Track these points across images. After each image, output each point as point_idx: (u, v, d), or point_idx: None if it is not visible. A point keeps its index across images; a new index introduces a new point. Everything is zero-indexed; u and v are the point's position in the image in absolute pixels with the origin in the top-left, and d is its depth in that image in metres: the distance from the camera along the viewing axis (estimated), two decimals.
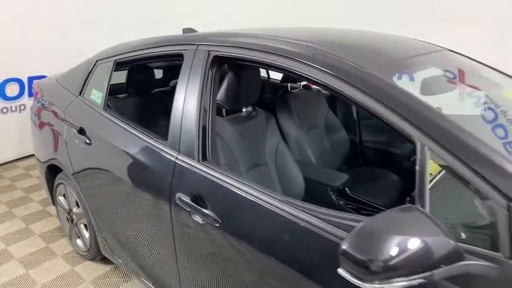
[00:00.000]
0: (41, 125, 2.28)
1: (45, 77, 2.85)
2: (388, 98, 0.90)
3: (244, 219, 1.15)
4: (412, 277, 0.69)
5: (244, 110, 1.72)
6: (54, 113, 2.08)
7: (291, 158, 1.81)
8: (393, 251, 0.68)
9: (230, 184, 1.18)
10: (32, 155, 3.06)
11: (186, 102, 1.35)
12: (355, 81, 0.96)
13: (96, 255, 2.12)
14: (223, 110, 1.61)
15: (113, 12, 3.92)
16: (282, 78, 2.52)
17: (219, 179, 1.21)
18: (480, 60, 1.84)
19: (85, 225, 2.10)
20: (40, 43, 3.50)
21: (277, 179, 1.73)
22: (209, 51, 1.34)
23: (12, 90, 3.64)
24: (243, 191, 1.14)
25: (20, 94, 3.66)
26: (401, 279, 0.69)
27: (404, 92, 0.92)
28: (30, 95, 3.66)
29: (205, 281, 1.37)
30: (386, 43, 1.43)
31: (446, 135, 0.82)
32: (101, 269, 2.16)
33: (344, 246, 0.71)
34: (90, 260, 2.21)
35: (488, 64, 1.81)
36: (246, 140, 1.64)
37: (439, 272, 0.70)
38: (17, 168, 3.63)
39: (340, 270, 0.72)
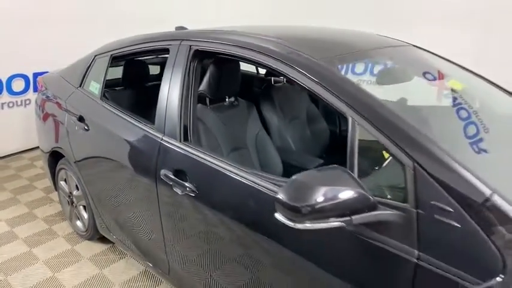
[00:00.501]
0: (45, 117, 2.48)
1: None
2: (329, 83, 1.08)
3: (217, 189, 1.33)
4: (335, 220, 0.87)
5: (227, 100, 1.91)
6: (57, 104, 2.28)
7: (271, 144, 1.99)
8: (319, 198, 0.85)
9: (206, 160, 1.37)
10: (36, 147, 3.26)
11: (170, 90, 1.54)
12: (305, 69, 1.14)
13: (94, 234, 2.31)
14: (207, 100, 1.80)
15: (112, 12, 4.12)
16: (265, 73, 2.70)
17: (197, 156, 1.40)
18: (449, 58, 2.03)
19: (84, 207, 2.30)
20: (44, 41, 3.71)
21: (258, 162, 1.91)
22: (191, 45, 1.53)
23: (18, 85, 3.85)
24: (216, 164, 1.33)
25: (26, 89, 3.87)
26: (326, 220, 0.87)
27: (343, 77, 1.10)
28: (35, 90, 3.86)
29: (188, 249, 1.55)
30: (346, 38, 1.60)
31: (372, 111, 0.99)
32: (98, 247, 2.35)
33: (279, 196, 0.88)
34: (88, 239, 2.40)
35: (454, 61, 1.98)
36: (228, 126, 1.83)
37: (357, 218, 0.88)
38: (23, 159, 3.84)
39: (277, 215, 0.90)
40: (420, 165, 0.89)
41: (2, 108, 3.83)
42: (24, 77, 3.85)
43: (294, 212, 0.86)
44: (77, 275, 2.10)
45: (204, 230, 1.42)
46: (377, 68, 1.39)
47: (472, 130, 1.18)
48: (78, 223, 2.42)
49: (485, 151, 1.17)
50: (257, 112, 2.07)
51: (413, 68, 1.55)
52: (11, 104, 3.87)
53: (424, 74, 1.50)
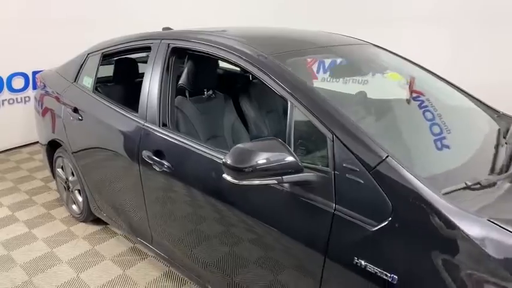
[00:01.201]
0: (43, 110, 2.71)
1: None
2: (274, 73, 1.32)
3: (188, 165, 1.57)
4: (270, 178, 1.12)
5: (205, 93, 2.15)
6: (54, 98, 2.52)
7: (246, 133, 2.23)
8: (258, 161, 1.09)
9: (179, 141, 1.61)
10: (35, 143, 3.49)
11: (151, 82, 1.78)
12: (257, 62, 1.39)
13: (88, 216, 2.55)
14: (186, 92, 2.03)
15: (108, 14, 4.36)
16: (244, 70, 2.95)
17: (173, 138, 1.64)
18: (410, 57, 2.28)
19: (78, 191, 2.53)
20: (43, 41, 3.94)
21: None
22: (169, 44, 1.78)
23: (18, 83, 4.09)
24: (187, 144, 1.57)
25: (25, 87, 4.11)
26: (262, 179, 1.11)
27: (286, 70, 1.34)
28: (34, 87, 4.10)
29: (166, 220, 1.79)
30: (303, 37, 1.85)
31: (305, 96, 1.24)
32: (92, 228, 2.59)
33: (225, 160, 1.12)
34: (82, 221, 2.64)
35: (412, 60, 2.23)
36: (205, 116, 2.06)
37: (287, 178, 1.12)
38: (22, 153, 4.07)
39: (224, 176, 1.14)
40: (337, 136, 1.13)
41: (3, 104, 4.07)
42: (24, 75, 4.09)
43: (237, 172, 1.11)
44: (72, 251, 2.33)
45: (178, 201, 1.66)
46: (327, 63, 1.63)
47: (384, 109, 1.43)
48: (74, 207, 2.66)
49: (391, 126, 1.43)
50: (236, 105, 2.32)
51: (362, 64, 1.80)
52: (11, 101, 4.11)
53: (370, 68, 1.74)
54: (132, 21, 4.26)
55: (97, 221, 2.59)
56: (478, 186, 1.10)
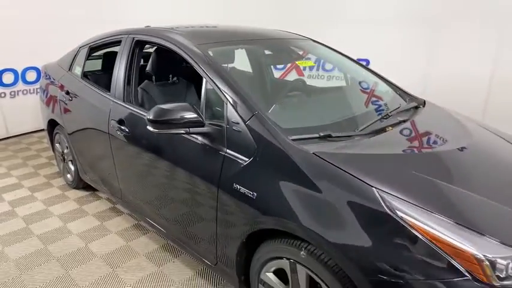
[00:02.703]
0: (45, 96, 3.25)
1: None
2: (197, 58, 1.78)
3: (138, 128, 2.04)
4: (181, 129, 1.57)
5: (170, 79, 2.61)
6: (53, 84, 3.05)
7: None
8: (172, 116, 1.55)
9: (134, 111, 2.09)
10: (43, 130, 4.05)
11: (119, 67, 2.27)
12: (185, 50, 1.85)
13: (78, 183, 3.06)
14: (153, 77, 2.50)
15: (109, 16, 4.91)
16: None
17: (130, 110, 2.12)
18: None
19: (71, 161, 3.05)
20: (53, 39, 4.51)
21: None
22: (133, 37, 2.26)
23: (31, 76, 4.70)
24: (139, 113, 2.05)
25: (37, 79, 4.70)
26: (176, 129, 1.57)
27: (205, 55, 1.79)
28: None
29: (128, 175, 2.26)
30: (238, 32, 2.31)
31: (214, 74, 1.68)
32: (82, 193, 3.10)
33: (148, 116, 1.58)
34: (74, 188, 3.16)
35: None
36: (169, 98, 2.52)
37: (192, 130, 1.58)
38: (33, 137, 4.67)
39: (148, 127, 1.60)
40: (229, 101, 1.58)
41: (18, 95, 4.69)
42: (36, 69, 4.68)
43: (155, 124, 1.57)
44: (63, 209, 2.85)
45: (133, 158, 2.14)
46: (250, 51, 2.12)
47: (280, 85, 1.85)
48: (68, 176, 3.18)
49: (279, 96, 1.87)
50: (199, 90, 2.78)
51: (279, 53, 2.28)
52: (24, 92, 4.72)
53: (291, 57, 2.19)
54: (132, 21, 4.84)
55: (87, 188, 3.11)
56: (329, 137, 1.51)
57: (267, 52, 2.31)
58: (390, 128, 1.71)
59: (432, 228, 1.11)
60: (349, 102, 2.15)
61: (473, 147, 1.66)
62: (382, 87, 2.35)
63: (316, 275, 1.31)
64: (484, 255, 1.06)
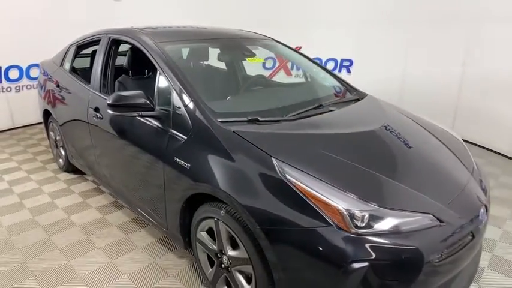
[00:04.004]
0: (41, 89, 3.62)
1: None
2: (155, 54, 2.10)
3: (110, 115, 2.36)
4: (134, 112, 1.90)
5: (146, 73, 2.94)
6: (47, 78, 3.42)
7: None
8: (128, 101, 1.87)
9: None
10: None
11: (97, 62, 2.62)
12: (147, 47, 2.18)
13: (68, 167, 3.43)
14: (130, 72, 2.83)
15: (110, 18, 5.29)
16: None
17: (105, 98, 2.44)
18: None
19: (62, 147, 3.41)
20: (55, 39, 4.91)
21: None
22: (110, 36, 2.60)
23: (35, 72, 5.11)
24: None
25: None
26: (130, 112, 1.90)
27: (163, 51, 2.10)
28: None
29: (104, 156, 2.60)
30: (199, 33, 2.63)
31: (165, 66, 2.00)
32: (71, 176, 3.47)
33: (108, 101, 1.90)
34: (65, 171, 3.53)
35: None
36: (143, 89, 2.85)
37: (144, 113, 1.91)
38: (36, 128, 5.09)
39: (107, 110, 1.92)
40: (175, 89, 1.90)
41: (22, 89, 5.11)
42: (39, 66, 5.08)
43: (113, 107, 1.90)
44: (53, 188, 3.22)
45: (104, 139, 2.48)
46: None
47: (224, 76, 2.16)
48: (60, 160, 3.55)
49: (219, 85, 2.19)
50: None
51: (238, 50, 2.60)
52: (29, 87, 5.14)
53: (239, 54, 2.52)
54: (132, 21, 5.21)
55: (76, 172, 3.47)
56: (256, 121, 1.80)
57: (220, 50, 2.65)
58: (316, 114, 2.00)
59: (310, 188, 1.40)
60: (293, 93, 2.44)
61: (380, 130, 1.94)
62: (328, 82, 2.63)
63: (231, 229, 1.61)
64: (345, 209, 1.34)
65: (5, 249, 2.33)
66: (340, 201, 1.36)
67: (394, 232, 1.35)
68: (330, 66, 6.01)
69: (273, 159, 1.51)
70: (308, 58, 2.89)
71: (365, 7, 5.32)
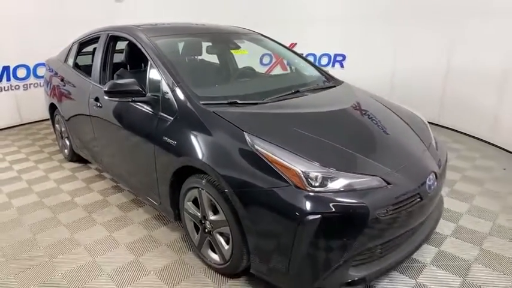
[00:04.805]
0: (47, 85, 3.89)
1: None
2: (146, 47, 2.35)
3: (108, 103, 2.61)
4: (127, 98, 2.15)
5: (143, 67, 3.19)
6: (53, 74, 3.69)
7: None
8: (120, 88, 2.12)
9: None
10: None
11: (97, 57, 2.87)
12: (140, 41, 2.43)
13: (73, 156, 3.70)
14: (128, 66, 3.08)
15: (94, 16, 5.54)
16: None
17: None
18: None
19: (67, 138, 3.68)
20: (59, 39, 5.19)
21: None
22: (108, 33, 2.86)
23: (41, 71, 5.39)
24: None
25: None
26: (123, 98, 2.15)
27: (154, 44, 2.35)
28: None
29: (104, 142, 2.85)
30: (189, 28, 2.87)
31: (155, 58, 2.24)
32: (76, 165, 3.74)
33: (104, 88, 2.15)
34: (70, 161, 3.80)
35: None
36: (139, 81, 3.11)
37: (136, 98, 2.15)
38: (43, 124, 5.38)
39: (104, 97, 2.17)
40: (163, 77, 2.14)
41: (30, 87, 5.40)
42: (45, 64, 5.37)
43: (110, 94, 2.14)
44: (58, 176, 3.49)
45: (105, 125, 2.72)
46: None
47: (213, 67, 2.41)
48: (65, 151, 3.82)
49: (205, 72, 2.44)
50: None
51: (224, 44, 2.85)
52: (36, 85, 5.43)
53: (228, 47, 2.75)
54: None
55: (80, 161, 3.74)
56: (235, 104, 2.03)
57: (208, 43, 2.90)
58: (291, 98, 2.23)
59: (274, 155, 1.64)
60: (275, 82, 2.67)
61: (345, 109, 2.19)
62: (309, 72, 2.86)
63: (211, 196, 1.85)
64: (301, 171, 1.57)
65: (15, 226, 2.59)
66: (298, 165, 1.59)
67: (345, 191, 1.57)
68: (324, 61, 6.23)
69: (245, 133, 1.75)
70: (292, 51, 3.12)
71: (357, 3, 5.53)
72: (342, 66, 6.08)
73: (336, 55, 6.16)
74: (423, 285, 1.94)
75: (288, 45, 6.23)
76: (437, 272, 2.04)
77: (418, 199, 1.74)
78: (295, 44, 6.25)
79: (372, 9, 5.40)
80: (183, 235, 2.41)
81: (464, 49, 4.42)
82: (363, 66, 5.70)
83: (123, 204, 2.87)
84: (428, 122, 2.41)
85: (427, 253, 2.20)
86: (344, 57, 6.09)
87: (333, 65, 6.14)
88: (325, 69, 3.11)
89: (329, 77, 2.83)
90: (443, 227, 2.48)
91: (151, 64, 2.27)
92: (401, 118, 2.24)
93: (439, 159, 2.05)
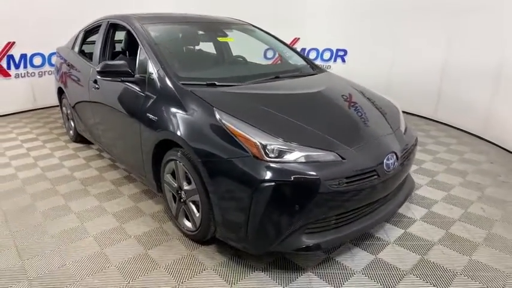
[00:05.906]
0: (57, 71, 4.16)
1: None
2: (138, 33, 2.54)
3: (104, 85, 2.82)
4: (117, 78, 2.35)
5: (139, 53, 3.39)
6: (62, 60, 3.95)
7: None
8: (111, 69, 2.32)
9: None
10: None
11: (98, 43, 3.08)
12: (133, 27, 2.62)
13: (77, 136, 3.95)
14: (127, 52, 3.29)
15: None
16: None
17: None
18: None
19: (72, 120, 3.94)
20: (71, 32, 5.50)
21: None
22: (109, 21, 3.07)
23: (55, 59, 5.70)
24: None
25: None
26: (113, 77, 2.34)
27: (145, 30, 2.53)
28: None
29: (102, 123, 3.07)
30: (183, 18, 3.05)
31: (145, 43, 2.43)
32: (79, 145, 4.00)
33: (97, 68, 2.35)
34: (74, 141, 4.06)
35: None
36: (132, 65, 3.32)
37: (124, 78, 2.35)
38: (55, 109, 5.68)
39: (97, 77, 2.36)
40: (150, 60, 2.31)
41: (44, 74, 5.72)
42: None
43: (101, 73, 2.34)
44: (63, 153, 3.75)
45: (102, 105, 2.94)
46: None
47: (199, 53, 2.58)
48: (71, 132, 4.09)
49: (191, 57, 2.61)
50: None
51: (212, 32, 3.03)
52: (50, 72, 5.74)
53: (215, 35, 2.93)
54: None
55: (83, 141, 3.99)
56: (213, 85, 2.19)
57: (200, 31, 3.07)
58: (268, 82, 2.37)
59: (238, 128, 1.79)
60: (259, 69, 2.81)
61: (317, 93, 2.32)
62: (295, 60, 2.99)
63: (185, 167, 2.02)
64: (260, 143, 1.71)
65: (18, 194, 2.85)
66: (257, 138, 1.74)
67: (300, 162, 1.71)
68: (326, 56, 6.32)
69: (214, 109, 1.91)
70: (281, 41, 3.26)
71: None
72: (343, 61, 6.16)
73: (338, 50, 6.23)
74: (381, 260, 2.05)
75: (291, 40, 6.36)
76: (399, 250, 2.15)
77: (375, 176, 1.85)
78: (298, 39, 6.37)
79: (373, 5, 5.45)
80: (165, 207, 2.59)
81: (461, 45, 4.44)
82: (363, 61, 5.77)
83: (116, 180, 3.08)
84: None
85: (392, 233, 2.31)
86: (346, 52, 6.16)
87: (335, 60, 6.23)
88: (322, 64, 3.23)
89: (314, 66, 2.95)
90: (415, 211, 2.58)
91: (140, 48, 2.46)
92: (373, 104, 2.35)
93: (406, 144, 2.15)
